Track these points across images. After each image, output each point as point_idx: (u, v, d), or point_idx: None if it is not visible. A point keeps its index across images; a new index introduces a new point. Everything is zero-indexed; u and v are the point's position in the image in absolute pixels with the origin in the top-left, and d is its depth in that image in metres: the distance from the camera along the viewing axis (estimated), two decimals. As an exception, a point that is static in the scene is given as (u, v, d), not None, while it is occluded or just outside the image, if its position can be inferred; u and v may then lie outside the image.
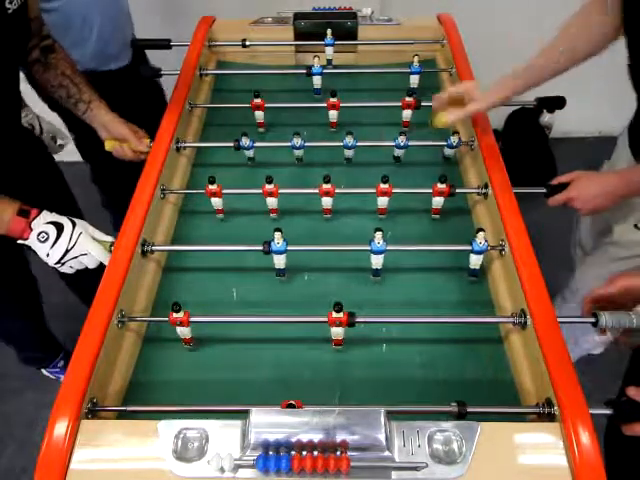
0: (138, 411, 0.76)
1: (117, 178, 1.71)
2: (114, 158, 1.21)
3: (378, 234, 0.90)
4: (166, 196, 1.09)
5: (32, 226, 0.93)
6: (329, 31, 1.39)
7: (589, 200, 1.02)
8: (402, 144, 1.16)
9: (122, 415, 0.77)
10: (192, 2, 1.94)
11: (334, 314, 0.81)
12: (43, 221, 0.94)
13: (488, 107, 1.09)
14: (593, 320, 0.80)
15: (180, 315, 0.82)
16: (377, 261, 0.94)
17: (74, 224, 0.95)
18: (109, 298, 0.82)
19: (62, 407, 0.69)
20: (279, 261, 0.95)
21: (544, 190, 1.06)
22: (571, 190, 1.02)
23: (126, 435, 0.69)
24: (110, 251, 0.94)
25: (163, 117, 1.18)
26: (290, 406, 0.70)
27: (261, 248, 0.93)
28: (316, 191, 1.03)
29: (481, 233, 0.90)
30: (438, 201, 1.05)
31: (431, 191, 1.04)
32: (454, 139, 1.16)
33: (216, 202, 1.07)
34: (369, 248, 0.92)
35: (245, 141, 1.15)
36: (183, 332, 0.86)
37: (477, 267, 0.95)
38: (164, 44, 1.49)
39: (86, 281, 1.02)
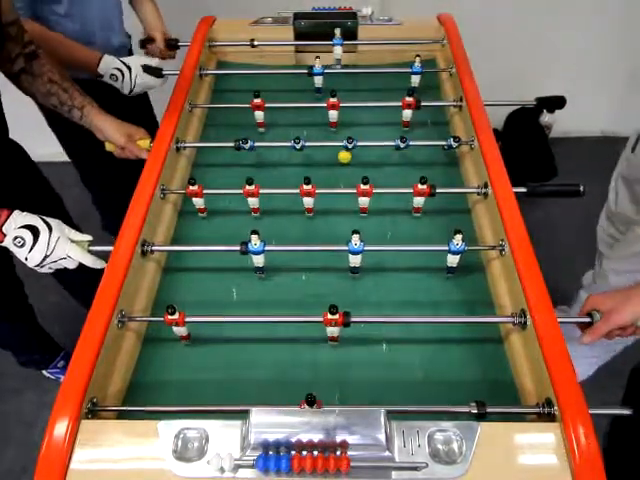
0: (138, 411, 0.76)
1: (103, 177, 1.72)
2: (100, 157, 1.21)
3: (355, 236, 0.91)
4: (166, 196, 1.09)
5: (4, 230, 0.89)
6: (337, 31, 1.39)
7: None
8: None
9: (122, 415, 0.77)
10: (192, 2, 1.94)
11: (329, 315, 0.81)
12: (15, 225, 0.90)
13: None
14: (589, 320, 0.81)
15: (175, 317, 0.82)
16: (355, 260, 0.96)
17: (50, 228, 0.91)
18: (109, 298, 0.82)
19: (62, 407, 0.69)
20: (257, 260, 0.96)
21: (524, 189, 1.05)
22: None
23: (126, 435, 0.69)
24: (88, 250, 0.93)
25: (163, 117, 1.18)
26: (310, 403, 0.70)
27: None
28: (320, 191, 1.04)
29: (459, 235, 0.92)
30: (418, 201, 1.07)
31: (412, 191, 1.05)
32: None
33: (198, 202, 1.08)
34: (364, 248, 0.93)
35: (245, 145, 1.16)
36: (180, 331, 0.86)
37: (454, 265, 0.96)
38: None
39: (72, 277, 1.01)
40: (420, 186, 1.03)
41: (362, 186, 1.02)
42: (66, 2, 1.28)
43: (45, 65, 1.10)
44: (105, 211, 1.98)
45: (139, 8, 1.51)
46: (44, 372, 1.80)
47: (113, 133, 1.13)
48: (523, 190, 1.04)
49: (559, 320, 0.79)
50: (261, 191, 1.05)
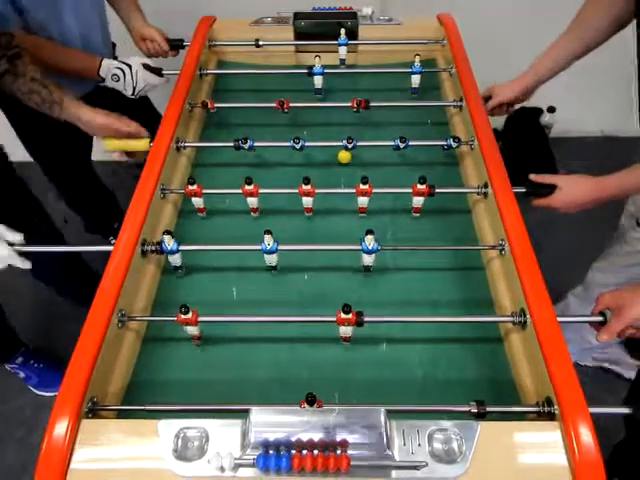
0: (138, 410, 0.76)
1: (72, 176, 1.70)
2: (65, 156, 1.18)
3: (369, 237, 0.92)
4: (166, 196, 1.09)
5: None
6: (342, 31, 1.39)
7: (571, 209, 1.08)
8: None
9: (122, 414, 0.77)
10: (192, 2, 1.94)
11: (342, 315, 0.81)
12: None
13: (507, 99, 1.27)
14: (601, 319, 0.81)
15: (189, 316, 0.82)
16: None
17: None
18: (109, 298, 0.82)
19: (62, 406, 0.69)
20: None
21: (524, 189, 1.06)
22: (554, 200, 1.06)
23: (126, 434, 0.69)
24: (16, 251, 0.92)
25: (163, 117, 1.18)
26: (310, 402, 0.70)
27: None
28: (319, 191, 1.04)
29: (370, 236, 0.91)
30: (418, 200, 1.07)
31: (411, 191, 1.04)
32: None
33: (197, 202, 1.08)
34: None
35: (245, 145, 1.16)
36: (192, 331, 0.86)
37: (370, 264, 0.97)
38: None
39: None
40: (419, 186, 1.03)
41: (361, 186, 1.02)
42: (40, 15, 1.25)
43: (28, 64, 1.10)
44: (81, 213, 1.97)
45: (127, 19, 1.49)
46: (6, 366, 1.78)
47: (94, 116, 1.11)
48: (523, 190, 1.04)
49: (574, 319, 0.79)
50: (260, 191, 1.05)
